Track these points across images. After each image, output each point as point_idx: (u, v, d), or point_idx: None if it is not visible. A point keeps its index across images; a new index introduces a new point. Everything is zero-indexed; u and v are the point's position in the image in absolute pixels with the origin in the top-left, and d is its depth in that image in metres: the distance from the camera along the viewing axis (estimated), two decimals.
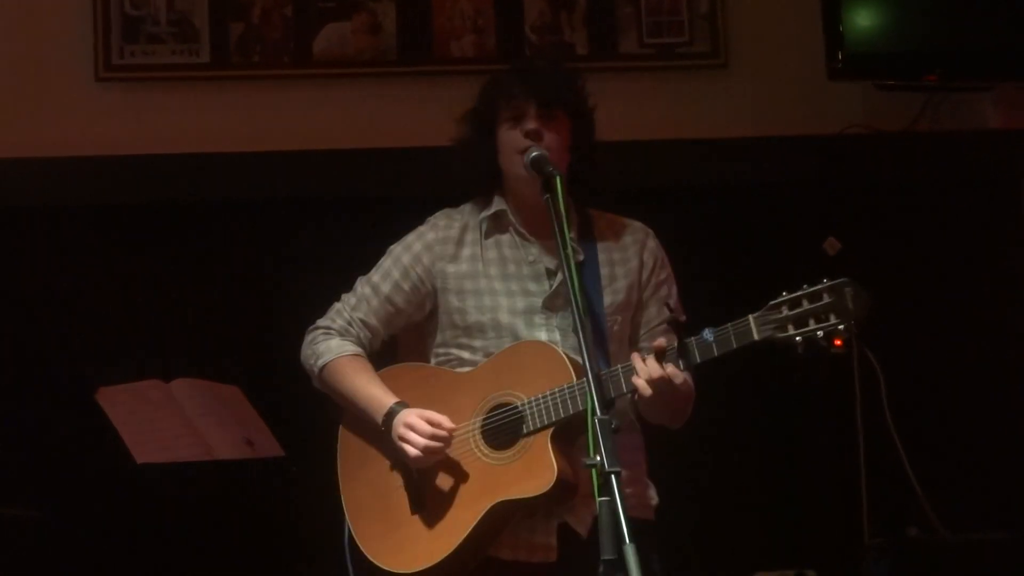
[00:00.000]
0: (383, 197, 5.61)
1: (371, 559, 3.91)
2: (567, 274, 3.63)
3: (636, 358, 3.72)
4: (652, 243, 4.07)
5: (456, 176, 4.07)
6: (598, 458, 3.29)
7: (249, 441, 5.02)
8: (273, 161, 5.78)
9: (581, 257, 3.94)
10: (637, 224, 4.11)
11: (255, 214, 5.80)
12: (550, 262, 3.97)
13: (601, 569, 3.64)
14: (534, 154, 3.84)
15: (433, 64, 5.93)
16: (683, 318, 3.98)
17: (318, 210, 5.78)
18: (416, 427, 3.83)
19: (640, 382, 3.68)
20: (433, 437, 3.81)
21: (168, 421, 4.98)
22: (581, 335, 3.54)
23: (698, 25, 6.00)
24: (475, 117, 4.03)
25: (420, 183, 5.55)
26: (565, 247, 3.66)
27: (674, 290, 4.06)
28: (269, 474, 5.09)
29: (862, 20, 5.74)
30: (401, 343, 4.17)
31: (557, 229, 3.68)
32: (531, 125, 3.89)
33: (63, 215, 5.73)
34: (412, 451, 3.82)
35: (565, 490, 3.75)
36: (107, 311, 5.72)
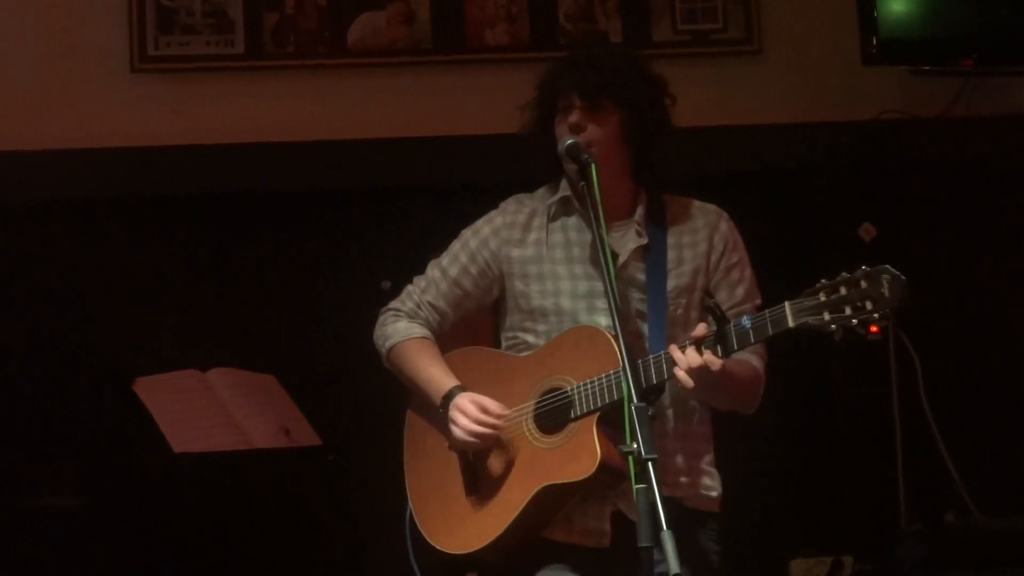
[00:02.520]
0: (420, 186, 5.62)
1: (427, 538, 3.98)
2: (602, 259, 3.64)
3: (674, 349, 3.72)
4: (724, 226, 4.06)
5: (499, 150, 4.07)
6: (635, 445, 3.30)
7: (286, 430, 5.04)
8: (307, 151, 5.79)
9: (645, 241, 3.94)
10: (711, 207, 4.09)
11: (290, 204, 5.82)
12: (614, 247, 3.96)
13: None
14: (568, 142, 3.85)
15: (467, 53, 5.93)
16: (758, 301, 3.98)
17: (352, 200, 5.79)
18: (466, 411, 3.87)
19: (680, 373, 3.68)
20: (479, 422, 3.85)
21: (205, 410, 4.99)
22: (616, 320, 3.55)
23: (732, 11, 5.99)
24: (534, 107, 4.03)
25: (456, 172, 5.56)
26: (600, 231, 3.68)
27: (747, 273, 4.04)
28: (306, 463, 5.11)
29: (896, 5, 5.71)
30: (474, 326, 4.20)
31: (593, 216, 3.70)
32: (574, 118, 3.90)
33: (99, 206, 5.75)
34: (460, 433, 3.87)
35: (611, 475, 3.75)
36: (144, 301, 5.74)
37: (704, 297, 3.99)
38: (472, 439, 3.87)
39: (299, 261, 5.79)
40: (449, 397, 3.93)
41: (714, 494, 4.02)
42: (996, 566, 5.21)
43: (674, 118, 4.04)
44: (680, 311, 3.96)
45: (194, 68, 5.87)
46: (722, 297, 3.96)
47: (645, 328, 3.89)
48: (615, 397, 3.73)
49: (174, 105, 5.83)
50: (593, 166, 3.77)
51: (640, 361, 3.72)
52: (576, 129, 3.88)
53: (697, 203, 4.10)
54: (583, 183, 3.78)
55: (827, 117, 5.91)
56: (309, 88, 5.88)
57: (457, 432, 3.88)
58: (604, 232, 3.69)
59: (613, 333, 3.78)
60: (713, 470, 4.04)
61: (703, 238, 4.02)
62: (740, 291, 3.95)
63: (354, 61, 5.91)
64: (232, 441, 4.95)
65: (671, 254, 3.97)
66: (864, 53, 5.69)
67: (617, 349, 3.72)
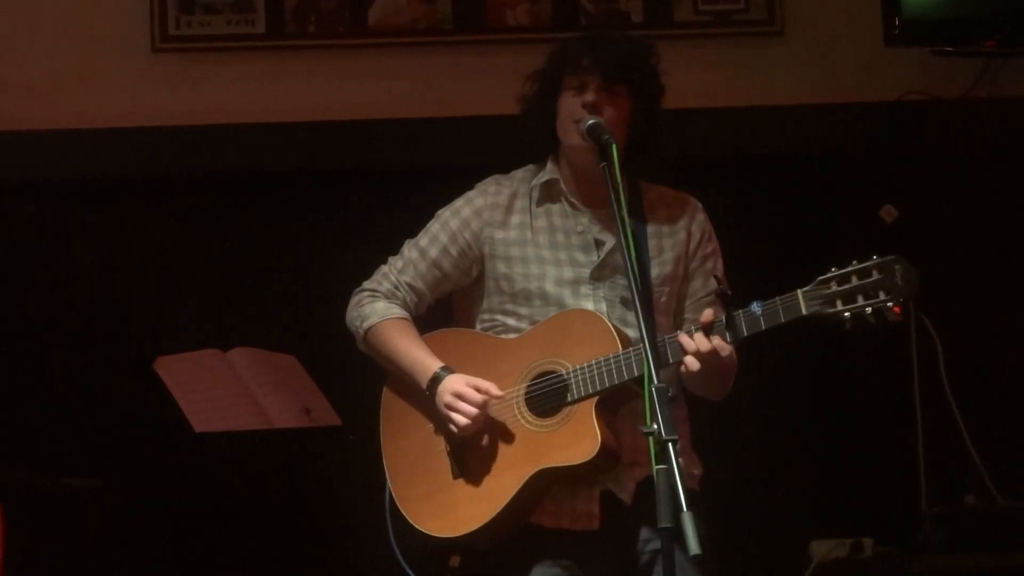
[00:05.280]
0: (440, 167, 5.61)
1: (412, 522, 3.93)
2: (623, 241, 3.61)
3: (682, 335, 3.72)
4: (700, 216, 4.07)
5: (519, 131, 4.06)
6: (655, 426, 3.29)
7: (307, 410, 5.04)
8: (328, 131, 5.79)
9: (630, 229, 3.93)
10: (686, 196, 4.10)
11: (310, 184, 5.82)
12: (599, 233, 3.97)
13: (642, 537, 3.67)
14: (590, 122, 3.84)
15: (488, 33, 5.92)
16: (729, 292, 3.97)
17: (373, 180, 5.79)
18: (466, 396, 3.84)
19: (689, 358, 3.68)
20: (485, 405, 3.83)
21: (226, 390, 5.00)
22: (637, 301, 3.53)
23: None
24: (540, 79, 4.01)
25: (476, 152, 5.55)
26: (622, 213, 3.65)
27: (720, 264, 4.05)
28: (326, 443, 5.11)
29: None
30: (452, 307, 4.18)
31: (614, 197, 3.67)
32: (590, 98, 3.88)
33: (119, 186, 5.77)
34: (462, 420, 3.83)
35: (608, 459, 3.75)
36: (164, 281, 5.76)
37: (683, 286, 4.01)
38: (475, 424, 3.83)
39: (318, 241, 5.80)
40: (437, 379, 3.90)
41: (696, 472, 4.00)
42: (1017, 548, 5.21)
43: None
44: (664, 299, 3.97)
45: (215, 48, 5.88)
46: (697, 286, 4.00)
47: (631, 316, 3.86)
48: (615, 381, 3.74)
49: (195, 85, 5.84)
50: (614, 147, 3.75)
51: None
52: (592, 109, 3.87)
53: (672, 192, 4.11)
54: (603, 164, 3.75)
55: (849, 98, 5.89)
56: (330, 68, 5.89)
57: (458, 418, 3.83)
58: (625, 212, 3.66)
59: (612, 321, 3.83)
60: (692, 451, 4.03)
61: (681, 227, 4.03)
62: (713, 281, 3.93)
63: (375, 41, 5.90)
64: (253, 421, 4.96)
65: (652, 242, 3.98)
66: (886, 34, 5.67)
67: (616, 334, 3.78)
